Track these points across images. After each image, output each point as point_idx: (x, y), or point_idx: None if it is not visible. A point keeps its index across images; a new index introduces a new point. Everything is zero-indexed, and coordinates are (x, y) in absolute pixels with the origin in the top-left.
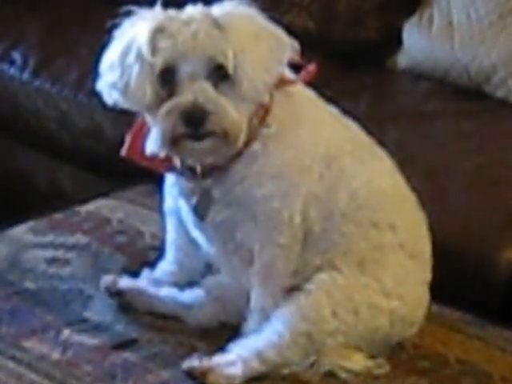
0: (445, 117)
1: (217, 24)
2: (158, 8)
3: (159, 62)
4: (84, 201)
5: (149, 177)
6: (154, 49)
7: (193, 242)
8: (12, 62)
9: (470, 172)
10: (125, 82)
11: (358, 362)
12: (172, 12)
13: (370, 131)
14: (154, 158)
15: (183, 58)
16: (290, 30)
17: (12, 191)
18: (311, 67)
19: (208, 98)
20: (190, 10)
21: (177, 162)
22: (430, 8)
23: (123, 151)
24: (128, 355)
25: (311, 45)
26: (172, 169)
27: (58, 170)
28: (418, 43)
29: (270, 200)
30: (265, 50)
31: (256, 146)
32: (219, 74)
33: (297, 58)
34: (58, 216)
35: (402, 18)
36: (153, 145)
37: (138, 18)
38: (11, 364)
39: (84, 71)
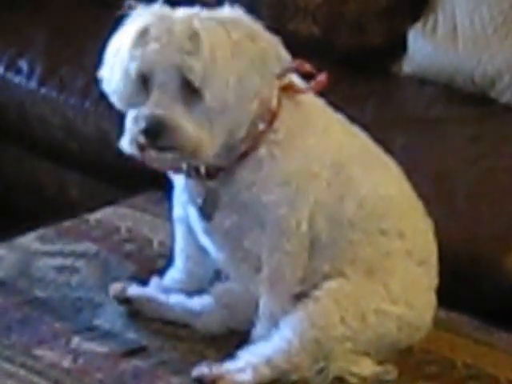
0: (450, 122)
1: (194, 36)
2: (156, 5)
3: (133, 68)
4: (92, 209)
5: (157, 184)
6: (134, 52)
7: (202, 249)
8: (18, 71)
9: (475, 177)
10: (109, 78)
11: (367, 367)
12: (165, 12)
13: (375, 136)
14: None
15: (155, 68)
16: (296, 36)
17: (20, 199)
18: (322, 77)
19: (165, 113)
20: (179, 15)
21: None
22: (435, 14)
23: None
24: (138, 362)
25: (316, 51)
26: (178, 169)
27: (66, 178)
28: (422, 49)
29: (277, 207)
30: (242, 63)
31: (262, 151)
32: (190, 87)
33: (307, 67)
34: (67, 224)
35: (406, 23)
36: (125, 146)
37: (141, 11)
38: (22, 372)
39: (90, 79)
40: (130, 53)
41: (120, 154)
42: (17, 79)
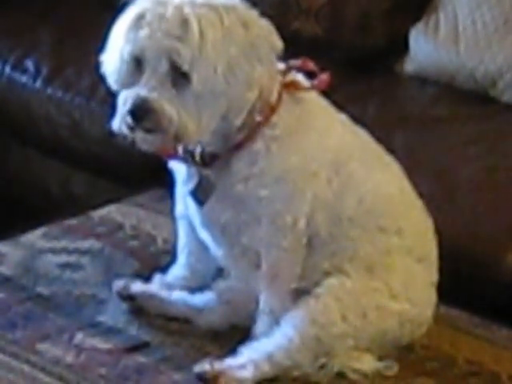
0: (451, 121)
1: (184, 21)
2: None
3: (127, 51)
4: (96, 206)
5: (160, 182)
6: (131, 35)
7: (204, 246)
8: (25, 71)
9: (477, 175)
10: (107, 62)
11: (368, 363)
12: None
13: (377, 136)
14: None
15: (146, 52)
16: (299, 36)
17: (25, 197)
18: (325, 76)
19: (150, 95)
20: (175, 1)
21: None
22: (436, 14)
23: None
24: (141, 358)
25: (319, 51)
26: (175, 155)
27: (71, 177)
28: (424, 48)
29: (272, 202)
30: (233, 49)
31: (259, 145)
32: (178, 71)
33: (311, 65)
34: (71, 221)
35: (408, 23)
36: (115, 126)
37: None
38: (26, 367)
39: (96, 79)
40: (126, 36)
41: (112, 135)
42: (23, 79)
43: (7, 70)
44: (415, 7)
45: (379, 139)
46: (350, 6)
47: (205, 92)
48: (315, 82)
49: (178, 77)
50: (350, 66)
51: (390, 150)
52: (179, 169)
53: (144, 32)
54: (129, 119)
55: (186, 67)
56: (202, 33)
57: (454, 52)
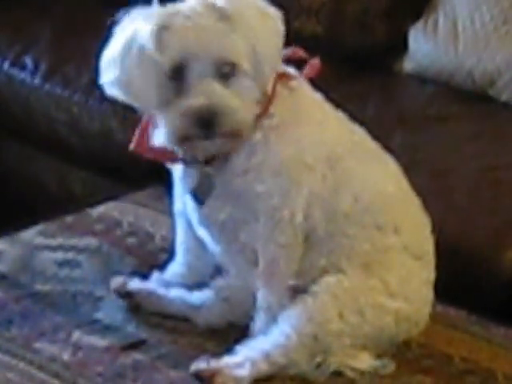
0: (449, 120)
1: (223, 15)
2: (155, 4)
3: (166, 61)
4: (94, 203)
5: (158, 179)
6: (159, 47)
7: (202, 243)
8: (23, 67)
9: (475, 174)
10: (127, 81)
11: (365, 361)
12: (171, 8)
13: (375, 134)
14: (158, 149)
15: (191, 57)
16: (299, 35)
17: (23, 194)
18: (314, 62)
19: (219, 100)
20: (192, 3)
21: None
22: (436, 13)
23: (132, 146)
24: (138, 356)
25: (319, 49)
26: (175, 158)
27: (69, 174)
28: (423, 48)
29: (270, 197)
30: (272, 34)
31: (257, 136)
32: (229, 70)
33: (301, 53)
34: (69, 218)
35: (407, 22)
36: (163, 140)
37: (137, 15)
38: (22, 365)
39: (95, 76)
40: (156, 47)
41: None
42: (22, 75)
43: (6, 66)
44: (414, 7)
45: (378, 137)
46: (351, 4)
47: (250, 81)
48: (306, 69)
49: (223, 72)
50: (349, 64)
51: (389, 148)
52: (177, 167)
53: (181, 39)
54: (193, 130)
55: (234, 59)
56: (247, 21)
57: (453, 51)
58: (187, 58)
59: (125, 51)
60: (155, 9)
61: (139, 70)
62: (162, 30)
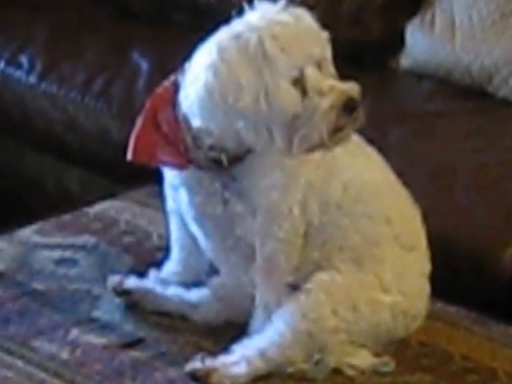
0: (447, 116)
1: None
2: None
3: (293, 68)
4: (91, 202)
5: (155, 178)
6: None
7: (196, 241)
8: (19, 66)
9: (473, 171)
10: (258, 95)
11: (364, 359)
12: (274, 17)
13: (373, 130)
14: (167, 156)
15: (309, 59)
16: None
17: (20, 193)
18: None
19: (354, 87)
20: (281, 11)
21: (200, 155)
22: (432, 9)
23: (129, 155)
24: (136, 354)
25: None
26: (183, 164)
27: (65, 172)
28: (420, 44)
29: (270, 192)
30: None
31: None
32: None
33: None
34: (66, 217)
35: (404, 18)
36: (307, 142)
37: (243, 25)
38: (21, 363)
39: (91, 74)
40: (286, 61)
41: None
42: (17, 74)
43: (1, 65)
44: (411, 2)
45: (375, 134)
46: (347, 1)
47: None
48: None
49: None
50: (345, 60)
51: (386, 144)
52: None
53: (304, 42)
54: (343, 118)
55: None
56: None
57: (450, 47)
58: (307, 62)
59: (246, 67)
60: (256, 19)
61: (274, 83)
62: (272, 41)
